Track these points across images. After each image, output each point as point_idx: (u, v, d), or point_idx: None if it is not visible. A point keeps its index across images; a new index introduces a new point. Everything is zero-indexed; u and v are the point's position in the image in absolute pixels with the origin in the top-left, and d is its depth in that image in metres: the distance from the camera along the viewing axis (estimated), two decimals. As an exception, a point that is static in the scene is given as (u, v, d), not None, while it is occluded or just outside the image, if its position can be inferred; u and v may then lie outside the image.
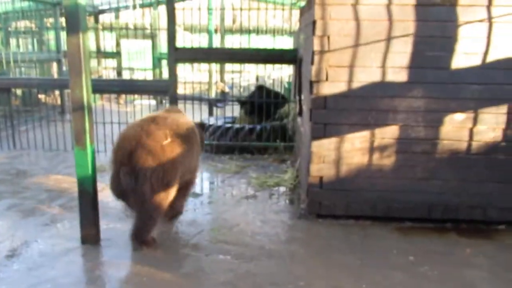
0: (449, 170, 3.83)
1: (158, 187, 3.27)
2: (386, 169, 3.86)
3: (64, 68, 9.87)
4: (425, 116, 3.75)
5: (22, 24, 9.84)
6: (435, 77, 3.70)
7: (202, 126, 4.25)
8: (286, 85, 9.13)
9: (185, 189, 3.84)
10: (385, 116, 3.78)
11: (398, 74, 3.71)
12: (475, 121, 3.74)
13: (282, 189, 4.93)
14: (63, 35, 9.75)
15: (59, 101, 9.85)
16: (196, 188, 4.84)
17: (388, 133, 3.80)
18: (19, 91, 8.79)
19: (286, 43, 10.69)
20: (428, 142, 3.79)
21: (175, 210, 3.91)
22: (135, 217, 3.40)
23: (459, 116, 3.74)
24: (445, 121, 3.75)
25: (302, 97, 5.01)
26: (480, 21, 3.60)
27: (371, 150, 3.84)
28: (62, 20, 9.84)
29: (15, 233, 3.64)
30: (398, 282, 2.98)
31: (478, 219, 3.90)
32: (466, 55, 3.65)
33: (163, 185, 3.31)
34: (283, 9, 8.83)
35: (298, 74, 5.51)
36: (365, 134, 3.82)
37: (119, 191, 3.33)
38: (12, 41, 9.84)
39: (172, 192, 3.46)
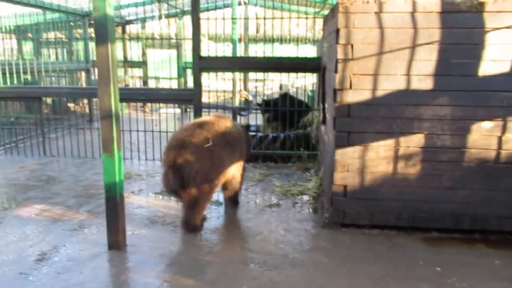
0: (476, 179, 3.75)
1: (200, 185, 3.72)
2: (411, 178, 3.81)
3: (92, 78, 10.14)
4: (451, 124, 3.70)
5: (52, 34, 10.17)
6: (462, 85, 3.64)
7: (247, 127, 4.82)
8: (310, 93, 9.12)
9: (235, 183, 4.39)
10: (410, 124, 3.74)
11: (423, 81, 3.67)
12: (503, 129, 3.66)
13: (305, 197, 4.92)
14: (91, 45, 10.03)
15: (87, 110, 10.12)
16: (219, 196, 4.88)
17: (413, 142, 3.76)
18: (49, 100, 9.06)
19: (309, 51, 10.70)
20: (454, 151, 3.73)
21: (230, 201, 4.56)
22: (183, 209, 3.91)
23: (487, 124, 3.66)
24: (473, 129, 3.68)
25: (326, 105, 5.01)
26: (508, 27, 3.53)
27: (396, 158, 3.80)
28: (91, 30, 10.12)
29: (44, 238, 3.74)
30: (424, 293, 2.94)
31: (507, 230, 3.80)
32: (493, 62, 3.59)
33: (205, 182, 3.76)
34: (306, 18, 8.86)
35: (322, 82, 5.51)
36: (389, 142, 3.78)
37: (170, 188, 3.78)
38: (43, 51, 10.17)
39: (215, 188, 3.96)
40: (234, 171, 4.25)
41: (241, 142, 4.34)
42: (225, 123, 4.17)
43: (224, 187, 4.39)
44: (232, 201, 4.56)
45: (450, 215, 3.82)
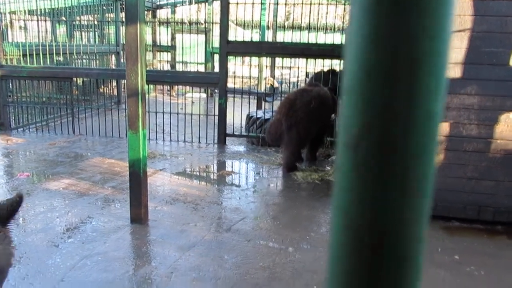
0: (502, 170, 3.67)
1: (302, 133, 4.99)
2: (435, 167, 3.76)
3: (121, 60, 10.32)
4: (478, 114, 3.63)
5: (85, 18, 10.38)
6: (491, 74, 3.56)
7: (333, 89, 5.71)
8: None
9: (317, 141, 5.66)
10: (436, 113, 3.68)
11: (451, 69, 3.61)
12: (533, 120, 3.57)
13: (326, 183, 4.92)
14: (122, 29, 10.19)
15: (115, 92, 10.33)
16: (241, 178, 4.93)
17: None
18: (79, 81, 9.30)
19: (338, 39, 10.57)
20: (480, 141, 3.66)
21: (312, 158, 5.70)
22: (284, 154, 5.28)
23: (515, 115, 3.58)
24: (500, 120, 3.60)
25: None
26: (543, 15, 3.42)
27: (419, 146, 3.75)
28: (122, 15, 10.27)
29: (71, 210, 3.89)
30: (440, 279, 2.92)
31: (532, 224, 3.73)
32: (526, 51, 3.49)
33: (305, 132, 5.02)
34: (336, 5, 8.75)
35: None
36: (413, 130, 3.74)
37: (276, 134, 5.14)
38: (76, 34, 10.40)
39: (310, 138, 5.23)
40: (322, 128, 5.43)
41: (330, 104, 5.38)
42: (320, 90, 5.29)
43: (311, 142, 5.52)
44: (313, 157, 5.65)
45: (473, 205, 3.76)
